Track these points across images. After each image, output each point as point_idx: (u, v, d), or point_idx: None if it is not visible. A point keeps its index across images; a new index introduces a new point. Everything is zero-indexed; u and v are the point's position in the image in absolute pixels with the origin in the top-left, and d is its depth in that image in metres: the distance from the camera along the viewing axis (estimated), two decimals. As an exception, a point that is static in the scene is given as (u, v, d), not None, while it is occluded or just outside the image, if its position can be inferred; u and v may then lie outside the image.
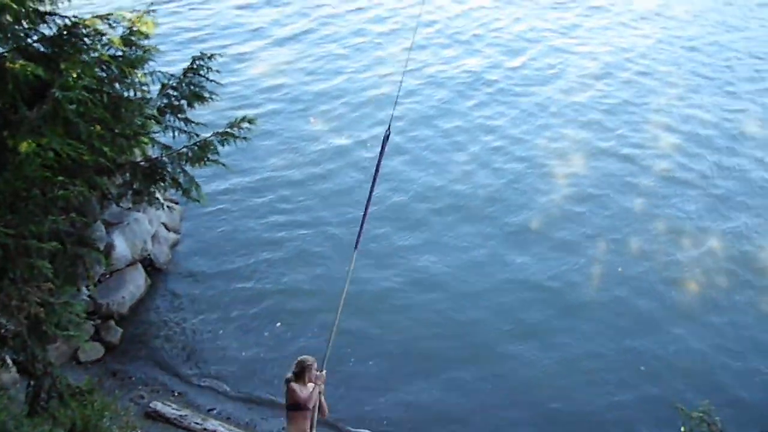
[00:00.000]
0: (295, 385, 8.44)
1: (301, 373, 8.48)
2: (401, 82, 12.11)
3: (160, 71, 12.88)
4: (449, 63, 27.89)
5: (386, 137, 9.51)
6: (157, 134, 13.05)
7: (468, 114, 24.72)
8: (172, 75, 12.97)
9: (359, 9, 32.71)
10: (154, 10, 12.15)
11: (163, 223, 18.70)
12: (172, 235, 18.90)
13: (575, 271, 18.07)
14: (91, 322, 15.47)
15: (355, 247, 9.40)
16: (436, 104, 24.88)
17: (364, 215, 9.42)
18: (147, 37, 11.68)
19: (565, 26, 31.49)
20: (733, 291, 17.74)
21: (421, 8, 32.42)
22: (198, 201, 13.36)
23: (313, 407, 8.37)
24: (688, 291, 17.71)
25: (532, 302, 17.02)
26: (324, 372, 8.53)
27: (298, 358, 8.71)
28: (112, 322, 15.99)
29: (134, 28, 11.38)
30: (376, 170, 9.49)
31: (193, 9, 31.81)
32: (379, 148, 9.56)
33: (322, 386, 8.50)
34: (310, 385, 8.48)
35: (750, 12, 33.69)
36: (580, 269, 18.12)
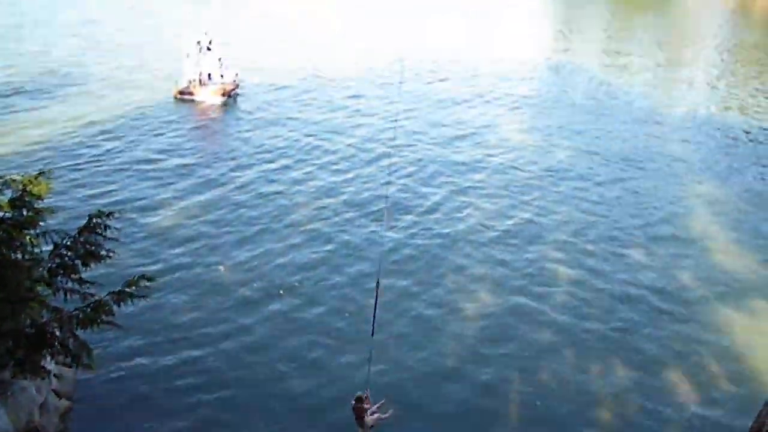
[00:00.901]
0: (363, 406, 14.42)
1: (361, 401, 14.42)
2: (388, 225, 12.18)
3: (53, 231, 12.54)
4: (365, 230, 28.11)
5: (378, 283, 14.71)
6: (47, 296, 12.43)
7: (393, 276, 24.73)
8: (66, 234, 12.61)
9: (267, 161, 33.65)
10: (49, 171, 12.03)
11: (53, 390, 17.20)
12: (64, 403, 17.35)
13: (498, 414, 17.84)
14: None
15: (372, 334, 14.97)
16: (356, 272, 24.50)
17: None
18: (40, 198, 11.43)
19: (474, 185, 33.24)
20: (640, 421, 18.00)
21: (329, 169, 33.93)
22: (90, 367, 12.50)
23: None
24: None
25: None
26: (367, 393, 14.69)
27: (357, 394, 14.54)
28: None
29: (26, 190, 11.13)
30: (375, 303, 14.64)
31: (95, 165, 31.79)
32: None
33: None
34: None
35: (625, 167, 37.10)
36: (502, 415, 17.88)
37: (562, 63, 60.81)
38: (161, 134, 36.63)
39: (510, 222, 28.96)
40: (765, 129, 44.59)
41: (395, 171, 33.52)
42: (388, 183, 31.84)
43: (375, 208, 29.29)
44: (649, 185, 33.88)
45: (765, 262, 26.89)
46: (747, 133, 43.51)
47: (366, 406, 14.64)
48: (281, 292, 22.97)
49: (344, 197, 30.42)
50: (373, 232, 27.37)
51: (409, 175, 33.20)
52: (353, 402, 14.55)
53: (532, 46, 68.76)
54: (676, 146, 40.06)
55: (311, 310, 22.10)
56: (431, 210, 29.71)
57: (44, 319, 12.08)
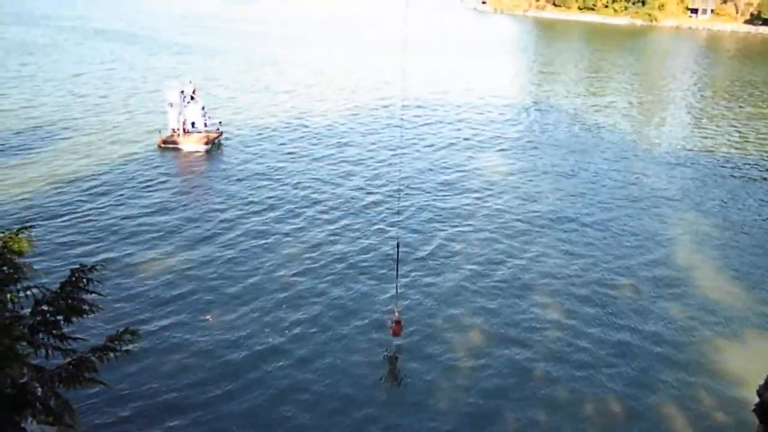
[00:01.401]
0: (401, 324, 22.17)
1: (399, 323, 21.98)
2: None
3: (35, 287, 12.28)
4: (357, 283, 28.03)
5: (398, 244, 23.74)
6: (28, 354, 12.09)
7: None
8: (47, 290, 12.36)
9: (254, 213, 33.50)
10: (30, 227, 11.88)
11: (35, 452, 16.64)
12: (46, 465, 16.77)
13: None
14: None
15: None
16: (349, 329, 23.93)
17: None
18: (21, 254, 11.26)
19: (465, 231, 33.53)
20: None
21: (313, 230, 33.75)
22: (72, 427, 12.10)
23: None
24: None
25: None
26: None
27: (396, 316, 22.13)
28: None
29: (7, 247, 10.96)
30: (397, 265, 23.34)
31: (78, 220, 31.33)
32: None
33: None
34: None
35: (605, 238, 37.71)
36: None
37: (545, 104, 61.91)
38: (146, 187, 36.37)
39: (502, 269, 28.58)
40: (746, 163, 45.35)
41: (386, 219, 33.38)
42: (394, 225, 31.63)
43: (365, 258, 28.80)
44: (636, 224, 33.93)
45: (756, 296, 26.90)
46: (727, 167, 44.19)
47: (399, 325, 21.95)
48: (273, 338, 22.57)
49: (334, 249, 29.73)
50: (365, 285, 26.71)
51: (398, 223, 32.91)
52: (393, 324, 21.97)
53: (516, 89, 70.14)
54: (661, 183, 40.50)
55: (302, 373, 21.19)
56: (423, 258, 29.30)
57: (25, 378, 11.72)
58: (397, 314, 22.24)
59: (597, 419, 19.62)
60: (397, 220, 32.35)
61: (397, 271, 23.34)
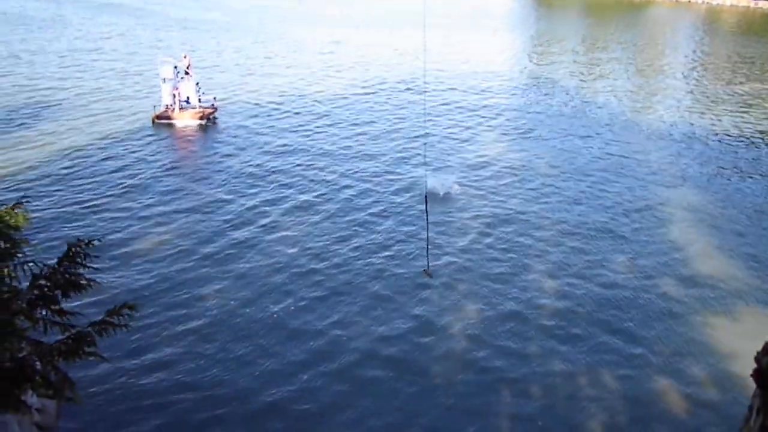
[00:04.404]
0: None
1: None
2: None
3: (32, 262, 12.29)
4: (357, 265, 27.51)
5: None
6: (26, 329, 12.15)
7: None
8: (45, 265, 12.38)
9: (253, 188, 33.46)
10: (26, 201, 11.84)
11: (35, 423, 16.76)
12: (47, 437, 16.90)
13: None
14: None
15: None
16: (348, 312, 24.31)
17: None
18: (17, 229, 11.24)
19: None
20: None
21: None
22: (72, 400, 12.21)
23: None
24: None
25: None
26: None
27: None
28: None
29: (3, 221, 10.94)
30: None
31: (74, 195, 31.26)
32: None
33: None
34: None
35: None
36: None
37: (544, 80, 61.23)
38: (140, 163, 36.20)
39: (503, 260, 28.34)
40: (739, 136, 45.15)
41: (393, 197, 33.12)
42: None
43: (369, 240, 28.23)
44: (633, 202, 33.59)
45: (746, 267, 26.99)
46: (731, 144, 43.70)
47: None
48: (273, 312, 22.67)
49: (337, 227, 29.14)
50: (366, 267, 26.04)
51: (390, 207, 32.88)
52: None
53: (515, 64, 69.42)
54: (661, 160, 39.98)
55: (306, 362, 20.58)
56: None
57: (24, 353, 11.79)
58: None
59: (590, 396, 19.57)
60: (397, 202, 32.21)
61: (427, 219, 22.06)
